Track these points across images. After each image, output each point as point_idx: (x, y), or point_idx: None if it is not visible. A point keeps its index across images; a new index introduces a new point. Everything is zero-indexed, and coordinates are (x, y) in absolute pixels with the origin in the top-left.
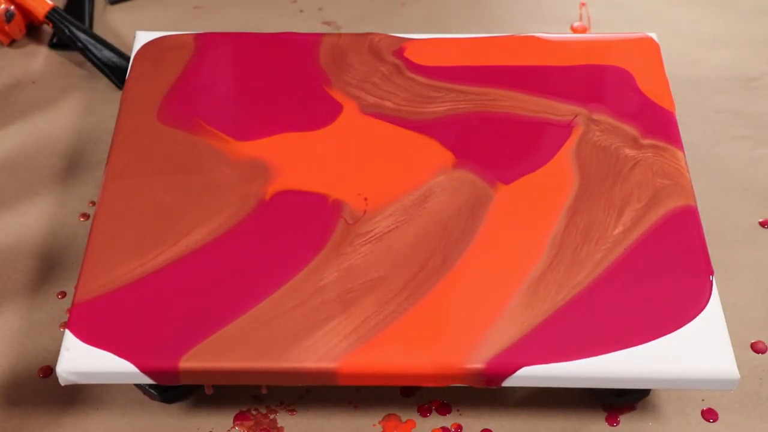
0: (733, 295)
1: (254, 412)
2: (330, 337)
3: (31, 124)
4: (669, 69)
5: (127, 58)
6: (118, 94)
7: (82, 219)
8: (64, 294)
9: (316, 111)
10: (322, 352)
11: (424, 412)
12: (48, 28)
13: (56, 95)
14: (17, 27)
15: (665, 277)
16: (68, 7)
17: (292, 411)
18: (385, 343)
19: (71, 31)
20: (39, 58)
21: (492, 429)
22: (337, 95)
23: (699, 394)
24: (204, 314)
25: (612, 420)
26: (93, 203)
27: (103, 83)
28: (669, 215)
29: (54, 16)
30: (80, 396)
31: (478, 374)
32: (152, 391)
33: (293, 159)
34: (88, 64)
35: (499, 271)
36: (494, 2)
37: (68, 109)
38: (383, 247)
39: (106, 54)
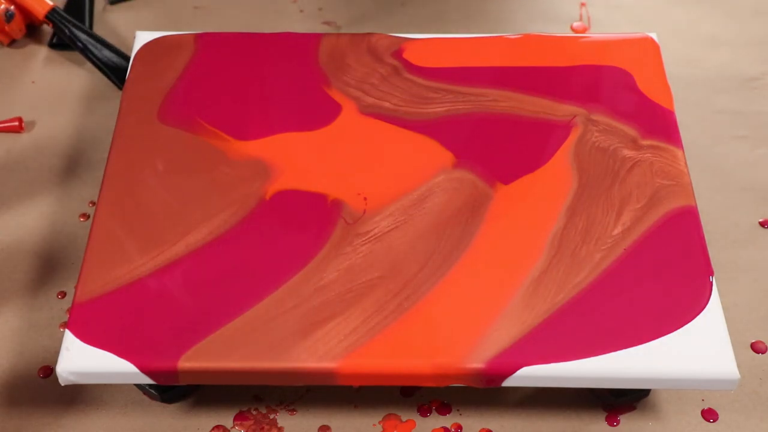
0: (733, 295)
1: (254, 412)
2: (330, 337)
3: (31, 124)
4: (669, 69)
5: (127, 58)
6: (118, 94)
7: (82, 219)
8: (64, 294)
9: (315, 111)
10: (322, 352)
11: (424, 412)
12: (48, 28)
13: (56, 95)
14: (17, 27)
15: (665, 278)
16: (68, 7)
17: (292, 411)
18: (385, 343)
19: (71, 31)
20: (39, 58)
21: (492, 429)
22: (336, 95)
23: (699, 394)
24: (204, 314)
25: (612, 420)
26: (93, 203)
27: (103, 83)
28: (669, 215)
29: (54, 16)
30: (80, 396)
31: (478, 374)
32: (152, 391)
33: (293, 159)
34: (88, 64)
35: (498, 271)
36: (494, 2)
37: (68, 109)
38: (383, 247)
39: (106, 54)
